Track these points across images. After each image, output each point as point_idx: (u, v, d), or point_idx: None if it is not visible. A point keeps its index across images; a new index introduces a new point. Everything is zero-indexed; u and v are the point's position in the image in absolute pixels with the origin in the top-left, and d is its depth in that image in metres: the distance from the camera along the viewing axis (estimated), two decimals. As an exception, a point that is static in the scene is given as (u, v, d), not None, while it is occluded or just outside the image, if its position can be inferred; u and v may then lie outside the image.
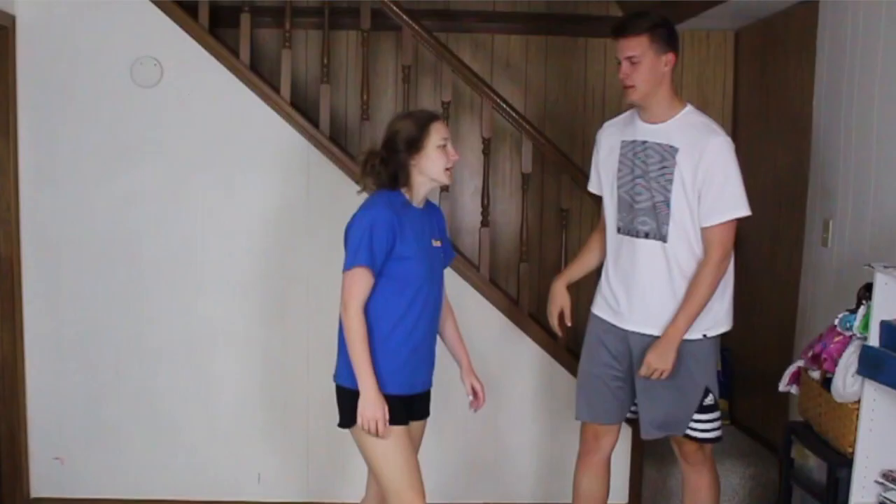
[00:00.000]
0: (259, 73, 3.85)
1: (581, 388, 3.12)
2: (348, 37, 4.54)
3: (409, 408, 2.72)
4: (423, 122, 2.69)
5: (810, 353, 2.87)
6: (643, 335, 2.92)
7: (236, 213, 3.79)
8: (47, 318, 3.79)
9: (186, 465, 3.87)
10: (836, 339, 2.76)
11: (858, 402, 2.61)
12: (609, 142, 3.02)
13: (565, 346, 3.89)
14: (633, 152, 2.90)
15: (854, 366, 2.62)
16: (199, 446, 3.86)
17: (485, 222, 3.90)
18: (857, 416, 2.61)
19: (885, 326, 2.54)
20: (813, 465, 2.88)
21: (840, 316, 2.78)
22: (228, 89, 3.74)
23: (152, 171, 3.76)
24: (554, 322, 3.21)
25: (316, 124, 3.81)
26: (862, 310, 2.67)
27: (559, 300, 3.17)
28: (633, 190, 2.90)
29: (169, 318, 3.82)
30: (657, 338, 2.87)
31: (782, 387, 3.06)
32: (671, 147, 2.82)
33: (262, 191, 3.79)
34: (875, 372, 2.52)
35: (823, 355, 2.78)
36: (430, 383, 2.85)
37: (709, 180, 2.79)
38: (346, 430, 2.72)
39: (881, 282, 2.56)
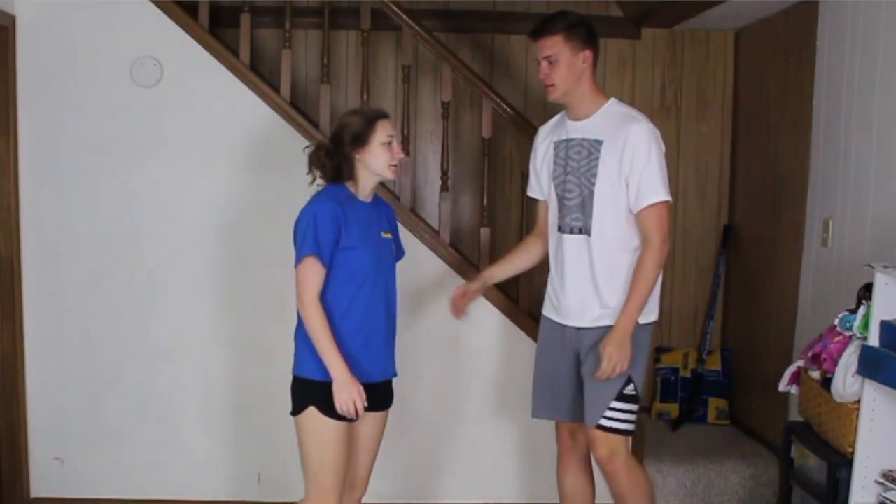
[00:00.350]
0: (259, 73, 3.85)
1: (535, 386, 3.16)
2: (348, 37, 4.54)
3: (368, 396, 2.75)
4: (370, 118, 2.77)
5: (810, 353, 2.87)
6: (577, 329, 3.00)
7: (237, 212, 3.79)
8: (47, 318, 3.79)
9: (186, 465, 3.87)
10: (836, 339, 2.75)
11: (858, 402, 2.61)
12: (543, 145, 3.09)
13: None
14: (565, 151, 2.97)
15: (854, 366, 2.61)
16: (199, 446, 3.86)
17: (485, 222, 3.90)
18: (857, 416, 2.61)
19: (885, 326, 2.54)
20: (813, 465, 2.88)
21: (840, 316, 2.78)
22: (228, 89, 3.74)
23: (152, 171, 3.76)
24: (452, 305, 3.22)
25: (316, 124, 3.81)
26: (862, 310, 2.67)
27: (463, 288, 3.22)
28: (565, 188, 2.96)
29: (169, 318, 3.82)
30: (587, 329, 2.95)
31: (782, 387, 3.06)
32: (596, 141, 2.89)
33: (262, 191, 3.79)
34: (875, 372, 2.52)
35: (823, 355, 2.78)
36: (390, 373, 2.87)
37: (633, 166, 2.85)
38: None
39: (881, 282, 2.56)
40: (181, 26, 3.70)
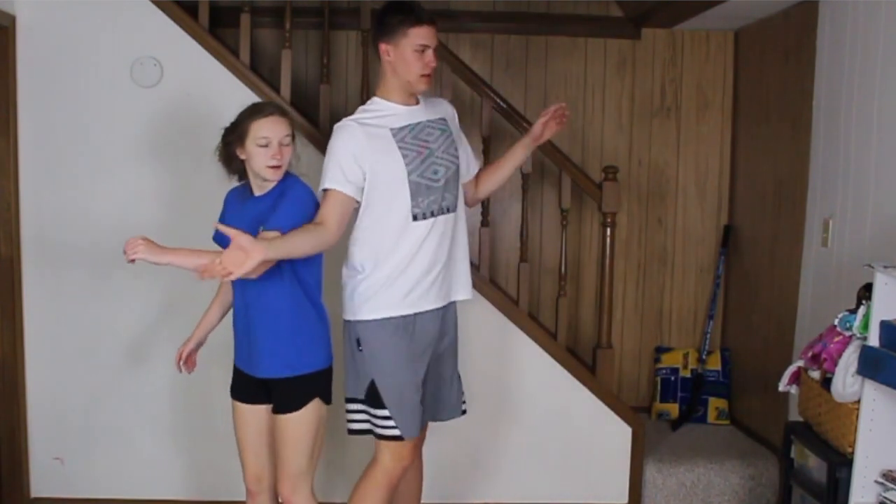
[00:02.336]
0: (259, 73, 3.86)
1: (405, 404, 2.85)
2: (348, 37, 4.54)
3: (245, 384, 2.86)
4: (247, 115, 2.79)
5: (810, 353, 2.87)
6: (460, 302, 3.06)
7: (236, 213, 3.79)
8: (47, 318, 3.79)
9: (186, 465, 3.87)
10: (836, 339, 2.75)
11: (858, 402, 2.61)
12: (371, 137, 2.79)
13: (565, 346, 3.90)
14: (413, 136, 2.86)
15: (854, 366, 2.62)
16: (198, 446, 3.86)
17: (485, 222, 3.90)
18: (857, 415, 2.61)
19: (885, 326, 2.54)
20: (813, 465, 2.88)
21: (840, 316, 2.78)
22: (228, 89, 3.74)
23: (152, 171, 3.76)
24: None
25: (316, 124, 3.82)
26: (862, 310, 2.67)
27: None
28: (429, 171, 2.85)
29: (169, 318, 3.82)
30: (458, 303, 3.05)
31: (782, 387, 3.06)
32: (440, 119, 2.96)
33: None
34: (875, 372, 2.52)
35: (823, 355, 2.78)
36: (274, 372, 2.78)
37: (461, 137, 3.05)
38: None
39: (881, 282, 2.56)
40: (181, 26, 3.70)
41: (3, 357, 3.72)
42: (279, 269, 2.68)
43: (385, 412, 2.81)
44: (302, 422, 2.76)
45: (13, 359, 3.74)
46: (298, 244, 2.61)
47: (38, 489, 3.85)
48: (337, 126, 2.84)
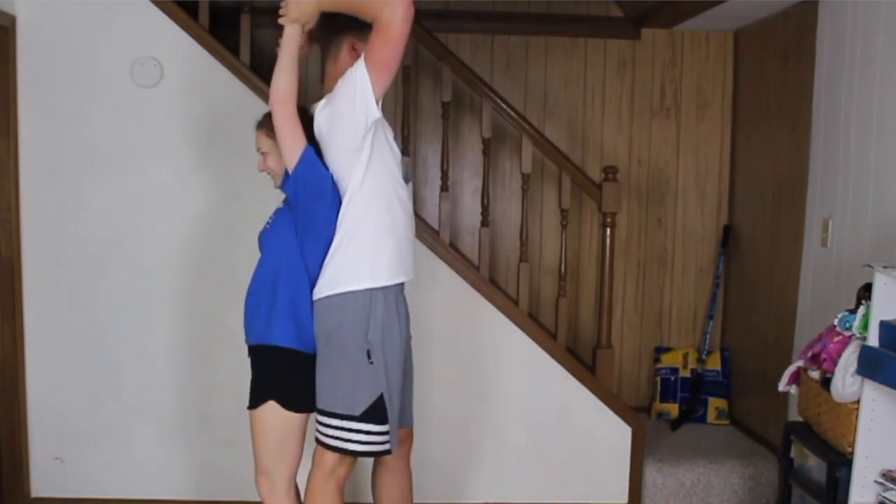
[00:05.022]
0: (259, 73, 3.85)
1: (396, 415, 2.71)
2: (348, 37, 4.54)
3: None
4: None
5: (810, 353, 2.87)
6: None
7: (237, 213, 3.79)
8: (47, 318, 3.80)
9: (186, 465, 3.87)
10: (836, 339, 2.76)
11: (858, 401, 2.61)
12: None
13: (565, 346, 3.90)
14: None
15: (853, 366, 2.62)
16: (199, 446, 3.86)
17: (485, 222, 3.90)
18: (857, 415, 2.61)
19: (885, 326, 2.54)
20: (812, 465, 2.88)
21: (840, 316, 2.78)
22: (228, 89, 3.74)
23: (152, 171, 3.76)
24: None
25: (316, 124, 3.81)
26: (861, 310, 2.67)
27: None
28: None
29: (169, 318, 3.82)
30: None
31: (782, 387, 3.07)
32: None
33: (262, 191, 3.78)
34: (874, 372, 2.52)
35: (823, 355, 2.78)
36: (248, 338, 2.82)
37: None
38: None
39: (881, 282, 2.56)
40: (181, 26, 3.70)
41: (3, 357, 3.73)
42: (287, 245, 2.70)
43: (384, 427, 2.65)
44: (257, 420, 2.74)
45: (13, 359, 3.74)
46: None
47: (38, 489, 3.85)
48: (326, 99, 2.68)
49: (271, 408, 2.71)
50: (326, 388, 2.68)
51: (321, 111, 2.62)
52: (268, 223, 2.86)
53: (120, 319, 3.80)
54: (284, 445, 2.74)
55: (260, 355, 2.78)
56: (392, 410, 2.66)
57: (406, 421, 2.92)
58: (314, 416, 2.74)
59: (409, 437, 3.03)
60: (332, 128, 2.59)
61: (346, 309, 2.64)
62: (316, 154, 2.64)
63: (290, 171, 2.65)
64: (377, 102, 2.55)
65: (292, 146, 2.62)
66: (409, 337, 2.86)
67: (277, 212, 2.86)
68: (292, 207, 2.73)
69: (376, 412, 2.64)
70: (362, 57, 2.54)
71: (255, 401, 2.76)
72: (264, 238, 2.83)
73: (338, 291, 2.64)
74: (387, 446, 2.69)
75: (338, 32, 2.74)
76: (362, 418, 2.63)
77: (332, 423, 2.66)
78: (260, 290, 2.77)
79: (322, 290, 2.67)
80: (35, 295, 3.78)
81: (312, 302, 2.70)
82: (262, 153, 2.82)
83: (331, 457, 2.70)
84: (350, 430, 2.66)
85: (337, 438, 2.66)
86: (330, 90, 2.66)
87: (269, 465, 2.77)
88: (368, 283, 2.64)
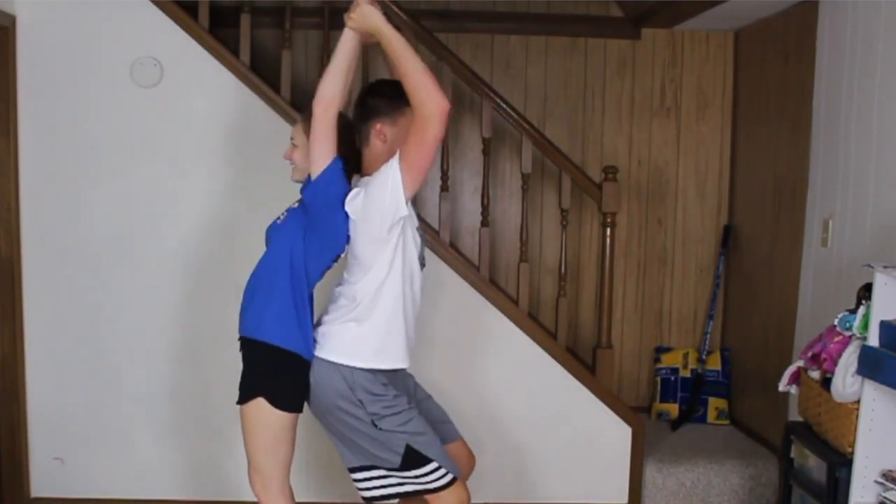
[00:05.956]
0: (259, 73, 3.85)
1: (439, 445, 2.76)
2: (348, 37, 4.54)
3: None
4: None
5: (810, 353, 2.87)
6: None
7: (237, 213, 3.79)
8: (47, 318, 3.79)
9: (186, 465, 3.87)
10: (836, 339, 2.76)
11: (858, 402, 2.61)
12: None
13: (565, 346, 3.90)
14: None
15: (854, 366, 2.62)
16: (199, 446, 3.86)
17: (485, 222, 3.90)
18: (857, 415, 2.61)
19: (885, 326, 2.54)
20: (813, 465, 2.88)
21: (840, 316, 2.78)
22: (228, 89, 3.74)
23: (152, 171, 3.76)
24: None
25: (316, 124, 3.81)
26: (862, 310, 2.67)
27: None
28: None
29: (169, 318, 3.82)
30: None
31: (782, 387, 3.07)
32: None
33: (262, 191, 3.79)
34: (874, 372, 2.52)
35: (823, 355, 2.78)
36: (241, 329, 2.84)
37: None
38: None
39: (881, 282, 2.56)
40: (181, 26, 3.70)
41: (3, 357, 3.73)
42: (294, 244, 2.70)
43: (433, 465, 2.68)
44: (246, 417, 2.72)
45: (13, 359, 3.74)
46: (409, 50, 2.55)
47: (38, 489, 3.85)
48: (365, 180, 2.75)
49: (260, 405, 2.69)
50: (351, 450, 2.74)
51: (355, 196, 2.66)
52: (278, 218, 2.85)
53: (120, 319, 3.80)
54: (275, 443, 2.73)
55: (250, 349, 2.77)
56: (430, 450, 2.69)
57: (449, 436, 2.93)
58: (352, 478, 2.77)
59: (468, 457, 3.02)
60: (362, 215, 2.64)
61: (350, 382, 2.67)
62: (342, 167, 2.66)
63: (312, 177, 2.65)
64: (407, 202, 2.61)
65: (322, 153, 2.62)
66: (413, 386, 2.90)
67: (290, 210, 2.85)
68: (306, 210, 2.73)
69: (411, 460, 2.67)
70: (397, 155, 2.59)
71: (244, 396, 2.74)
72: (273, 233, 2.82)
73: (346, 363, 2.68)
74: (447, 477, 2.71)
75: (366, 118, 2.79)
76: (403, 468, 2.68)
77: (358, 475, 2.75)
78: (259, 284, 2.77)
79: (329, 353, 2.71)
80: (35, 295, 3.78)
81: (315, 349, 2.73)
82: (294, 144, 2.83)
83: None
84: (369, 478, 2.74)
85: (367, 489, 2.75)
86: (367, 174, 2.74)
87: (261, 463, 2.76)
88: (374, 363, 2.70)
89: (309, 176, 2.68)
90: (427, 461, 2.68)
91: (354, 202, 2.65)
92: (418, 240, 2.82)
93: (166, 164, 3.76)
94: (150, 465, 3.87)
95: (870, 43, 3.35)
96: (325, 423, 2.78)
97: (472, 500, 3.88)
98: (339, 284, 2.82)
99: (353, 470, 2.75)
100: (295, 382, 2.72)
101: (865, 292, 2.66)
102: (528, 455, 3.89)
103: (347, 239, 2.73)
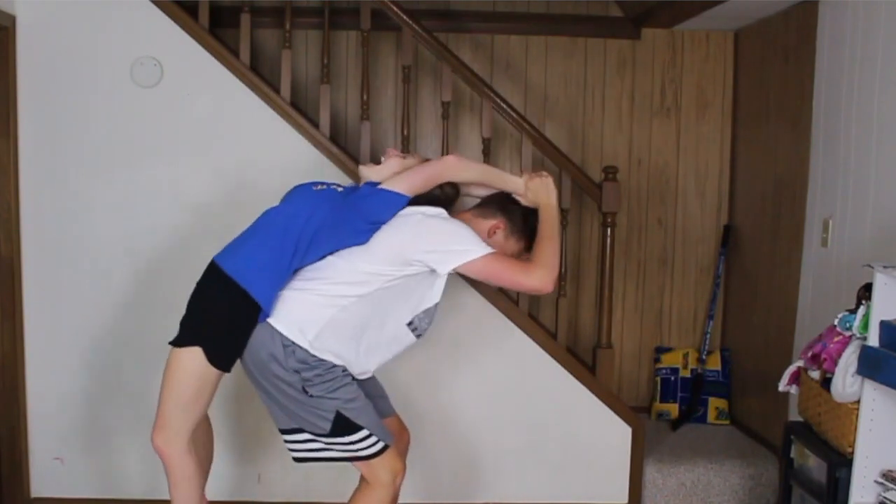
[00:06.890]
0: (259, 73, 3.85)
1: (372, 414, 2.82)
2: (348, 37, 4.54)
3: None
4: None
5: (810, 353, 2.87)
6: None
7: (236, 213, 3.78)
8: (47, 318, 3.79)
9: (186, 465, 3.86)
10: (836, 339, 2.76)
11: (858, 402, 2.61)
12: None
13: (565, 346, 3.90)
14: None
15: (854, 366, 2.62)
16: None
17: (485, 222, 3.89)
18: (857, 416, 2.61)
19: (885, 326, 2.54)
20: (813, 465, 2.88)
21: (840, 316, 2.78)
22: (228, 89, 3.74)
23: (152, 171, 3.76)
24: None
25: (316, 124, 3.82)
26: (862, 310, 2.67)
27: None
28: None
29: (169, 318, 3.81)
30: None
31: (782, 387, 3.07)
32: None
33: (261, 191, 3.78)
34: (874, 372, 2.52)
35: (823, 355, 2.78)
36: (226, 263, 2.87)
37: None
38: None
39: (881, 282, 2.56)
40: (181, 26, 3.70)
41: (3, 357, 3.73)
42: (316, 214, 2.72)
43: (363, 432, 2.72)
44: (176, 362, 2.69)
45: (13, 359, 3.74)
46: (557, 233, 2.93)
47: (38, 489, 3.85)
48: (440, 212, 2.86)
49: (195, 354, 2.66)
50: (283, 412, 2.76)
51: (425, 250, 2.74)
52: (315, 185, 2.84)
53: (120, 319, 3.80)
54: (195, 398, 2.71)
55: (222, 288, 2.71)
56: (361, 417, 2.71)
57: (384, 412, 2.97)
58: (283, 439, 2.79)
59: (401, 431, 3.06)
60: (398, 252, 2.72)
61: (288, 350, 2.68)
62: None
63: (382, 186, 2.76)
64: (440, 282, 2.77)
65: (411, 186, 2.78)
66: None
67: (330, 188, 2.84)
68: (346, 200, 2.73)
69: (341, 427, 2.70)
70: (473, 258, 2.70)
71: (184, 338, 2.70)
72: (303, 194, 2.81)
73: (289, 337, 2.68)
74: (378, 445, 2.73)
75: (498, 208, 2.96)
76: (332, 434, 2.70)
77: (289, 437, 2.78)
78: (268, 236, 2.74)
79: (277, 320, 2.70)
80: (35, 295, 3.78)
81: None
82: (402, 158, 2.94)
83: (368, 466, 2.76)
84: (298, 440, 2.77)
85: (295, 450, 2.80)
86: (462, 218, 2.91)
87: (171, 415, 2.73)
88: (315, 352, 2.70)
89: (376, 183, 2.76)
90: (357, 428, 2.70)
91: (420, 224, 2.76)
92: (431, 312, 2.84)
93: (166, 164, 3.76)
94: (150, 465, 3.86)
95: (870, 43, 3.35)
96: (255, 382, 2.78)
97: (472, 501, 3.91)
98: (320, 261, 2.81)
99: (282, 431, 2.79)
100: (239, 342, 2.68)
101: (865, 292, 2.66)
102: (528, 455, 3.89)
103: (347, 245, 2.74)
